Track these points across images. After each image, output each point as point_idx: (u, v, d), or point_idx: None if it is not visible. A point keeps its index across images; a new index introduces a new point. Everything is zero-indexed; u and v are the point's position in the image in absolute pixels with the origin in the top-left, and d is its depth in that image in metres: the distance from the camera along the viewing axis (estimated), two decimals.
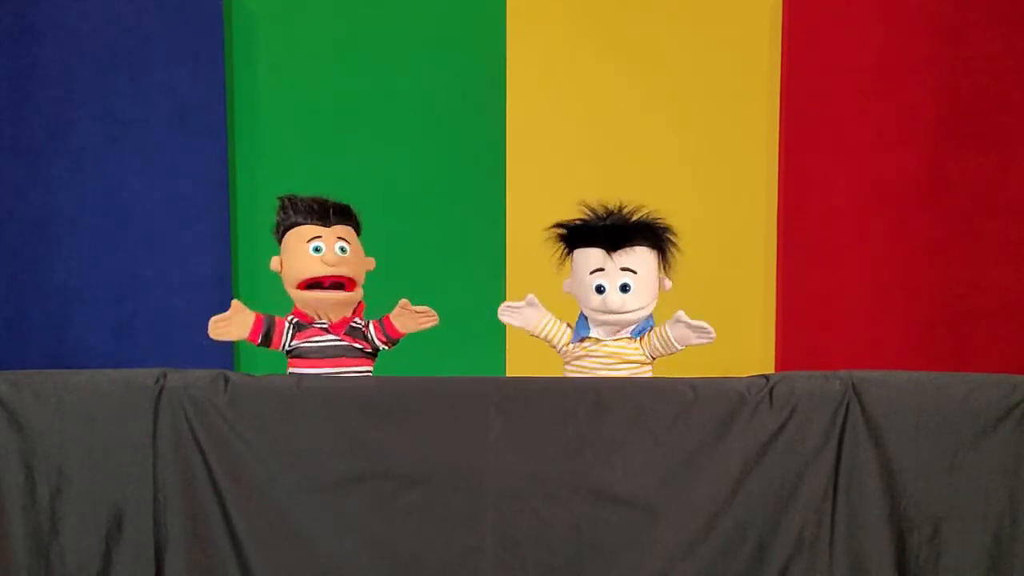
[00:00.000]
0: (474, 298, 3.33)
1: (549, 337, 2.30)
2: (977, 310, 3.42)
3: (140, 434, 1.92)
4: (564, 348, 2.28)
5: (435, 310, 2.32)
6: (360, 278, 2.28)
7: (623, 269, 2.17)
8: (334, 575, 1.94)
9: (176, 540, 1.92)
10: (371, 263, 2.33)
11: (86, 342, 3.45)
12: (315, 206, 2.25)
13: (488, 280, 3.39)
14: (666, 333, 2.21)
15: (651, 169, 3.49)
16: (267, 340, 2.24)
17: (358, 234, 2.32)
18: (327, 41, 3.52)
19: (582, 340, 2.24)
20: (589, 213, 2.22)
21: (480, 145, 3.52)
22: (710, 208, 3.50)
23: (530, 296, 2.31)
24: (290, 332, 2.24)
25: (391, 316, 2.30)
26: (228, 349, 3.43)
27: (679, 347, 2.22)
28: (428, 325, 2.30)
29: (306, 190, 3.48)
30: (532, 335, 2.32)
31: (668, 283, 2.25)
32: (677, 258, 2.24)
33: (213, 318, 2.23)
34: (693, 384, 1.97)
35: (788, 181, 3.44)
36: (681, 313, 2.20)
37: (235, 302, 2.25)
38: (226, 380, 1.95)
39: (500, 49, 3.46)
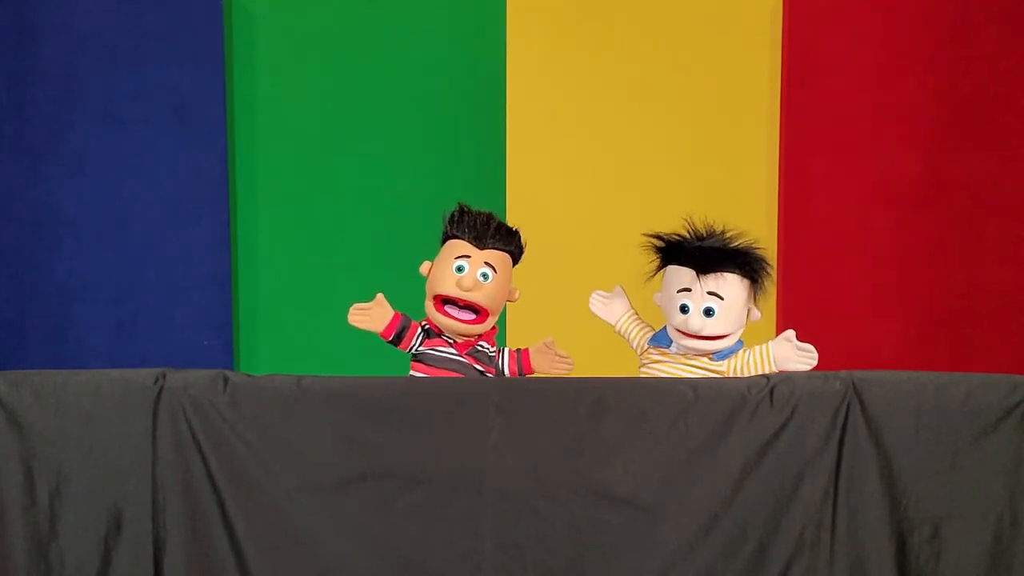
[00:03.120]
0: None
1: (627, 333, 2.30)
2: (977, 310, 3.42)
3: (139, 434, 1.92)
4: (639, 347, 2.27)
5: (617, 287, 2.30)
6: (496, 308, 2.22)
7: (710, 293, 2.13)
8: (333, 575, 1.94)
9: (175, 540, 1.92)
10: (515, 294, 2.27)
11: (86, 342, 3.45)
12: (478, 223, 2.21)
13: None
14: (767, 352, 2.17)
15: (651, 169, 3.49)
16: (399, 339, 2.22)
17: (516, 260, 2.27)
18: (327, 41, 3.52)
19: (661, 349, 2.21)
20: (689, 230, 2.20)
21: (480, 145, 3.52)
22: (710, 208, 3.48)
23: (618, 288, 2.32)
24: (420, 336, 2.22)
25: (532, 351, 2.27)
26: (228, 349, 3.43)
27: (775, 368, 2.16)
28: (562, 372, 2.27)
29: (306, 190, 3.51)
30: (612, 327, 2.31)
31: (757, 314, 2.21)
32: (766, 289, 2.19)
33: (355, 305, 2.22)
34: (693, 384, 1.97)
35: (788, 181, 3.44)
36: (791, 333, 2.16)
37: (379, 295, 2.23)
38: (226, 380, 1.95)
39: (500, 49, 3.46)
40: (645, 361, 2.25)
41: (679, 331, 2.16)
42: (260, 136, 3.53)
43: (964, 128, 3.39)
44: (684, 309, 2.14)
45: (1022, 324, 3.41)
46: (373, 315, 2.22)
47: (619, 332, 2.32)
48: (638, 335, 2.29)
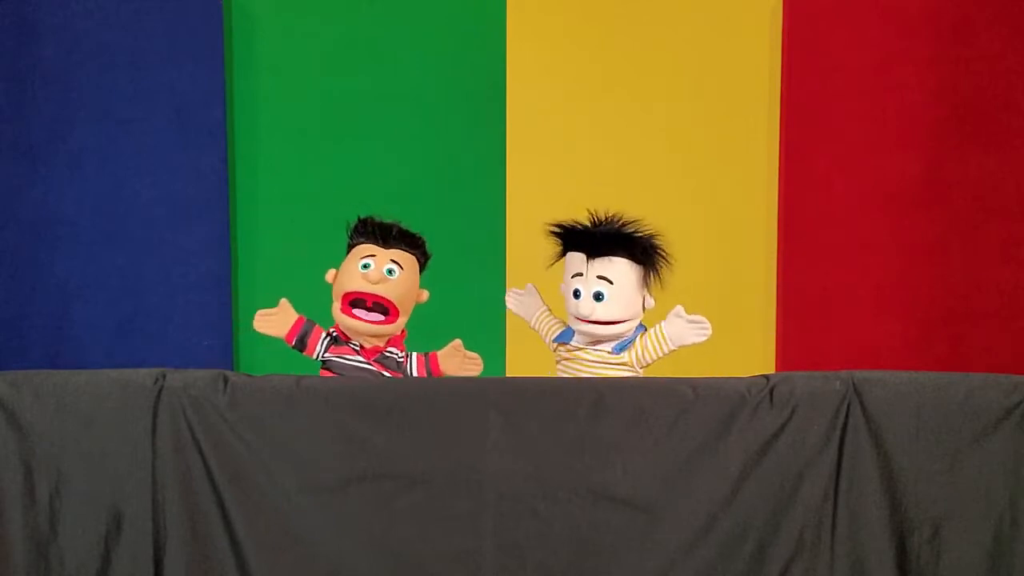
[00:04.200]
0: (474, 298, 3.34)
1: (540, 330, 2.34)
2: (977, 310, 3.42)
3: (139, 434, 1.92)
4: (550, 345, 2.30)
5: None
6: (405, 308, 2.24)
7: (599, 277, 2.17)
8: None
9: (175, 540, 1.92)
10: (423, 295, 2.29)
11: (86, 342, 3.44)
12: (382, 228, 2.25)
13: (488, 280, 3.38)
14: (660, 332, 2.21)
15: (651, 169, 3.49)
16: (302, 344, 2.25)
17: (422, 266, 2.30)
18: (327, 41, 3.51)
19: (563, 344, 2.23)
20: (589, 218, 2.23)
21: (480, 145, 3.51)
22: (710, 208, 3.50)
23: (530, 286, 2.36)
24: (325, 342, 2.24)
25: (440, 355, 2.29)
26: (228, 349, 3.43)
27: (673, 347, 2.21)
28: (472, 372, 2.29)
29: (305, 190, 3.51)
30: (529, 325, 2.36)
31: (651, 301, 2.23)
32: (666, 277, 2.22)
33: (260, 311, 2.26)
34: (693, 384, 1.97)
35: (788, 181, 3.44)
36: (680, 308, 2.20)
37: (283, 300, 2.27)
38: (225, 380, 1.95)
39: (500, 49, 3.46)
40: (557, 359, 2.28)
41: (575, 318, 2.20)
42: (260, 136, 3.52)
43: (964, 128, 3.39)
44: (576, 294, 2.18)
45: (1022, 324, 3.41)
46: (275, 320, 2.24)
47: (534, 328, 2.37)
48: (549, 332, 2.31)
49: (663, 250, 2.23)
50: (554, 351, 2.30)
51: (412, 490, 1.93)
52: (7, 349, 3.40)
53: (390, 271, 2.21)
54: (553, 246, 2.27)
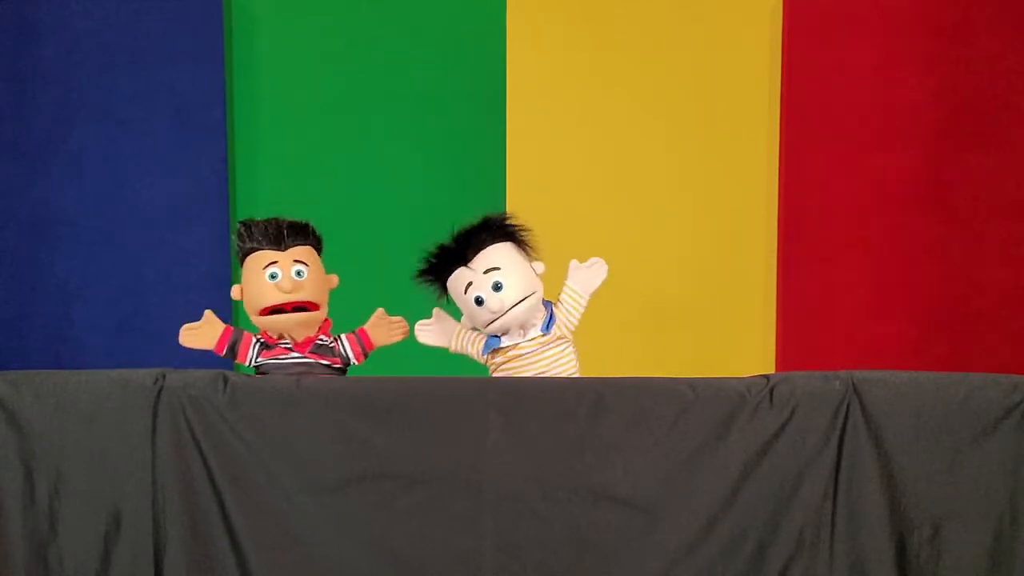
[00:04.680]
0: None
1: (465, 348, 2.28)
2: (977, 310, 3.42)
3: (139, 434, 1.92)
4: (482, 359, 2.27)
5: (435, 309, 2.31)
6: (322, 297, 2.24)
7: (487, 271, 2.17)
8: None
9: (175, 541, 1.91)
10: (333, 280, 2.29)
11: (86, 342, 3.45)
12: (270, 229, 2.22)
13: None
14: (570, 288, 2.23)
15: (651, 169, 3.49)
16: (232, 353, 2.25)
17: (319, 250, 2.28)
18: (327, 41, 3.52)
19: (496, 352, 2.22)
20: (438, 245, 2.23)
21: (480, 145, 3.52)
22: (710, 208, 3.50)
23: (436, 310, 2.30)
24: (256, 348, 2.24)
25: (367, 327, 2.29)
26: None
27: (587, 295, 2.23)
28: (399, 337, 2.29)
29: (305, 190, 3.51)
30: (453, 350, 2.30)
31: (540, 265, 2.24)
32: (532, 241, 2.23)
33: (184, 325, 2.25)
34: (693, 384, 1.97)
35: (788, 181, 3.44)
36: (574, 262, 2.23)
37: (207, 312, 2.26)
38: (225, 380, 1.95)
39: (500, 49, 3.46)
40: (492, 369, 2.26)
41: (491, 324, 2.18)
42: (260, 136, 3.53)
43: (964, 128, 3.39)
44: (479, 301, 2.17)
45: (1022, 324, 3.41)
46: (201, 333, 2.25)
47: (457, 351, 2.30)
48: (474, 345, 2.28)
49: (512, 218, 2.24)
50: (487, 363, 2.26)
51: (412, 490, 1.93)
52: (7, 349, 3.40)
53: (298, 272, 2.19)
54: (429, 292, 2.25)
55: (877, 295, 3.44)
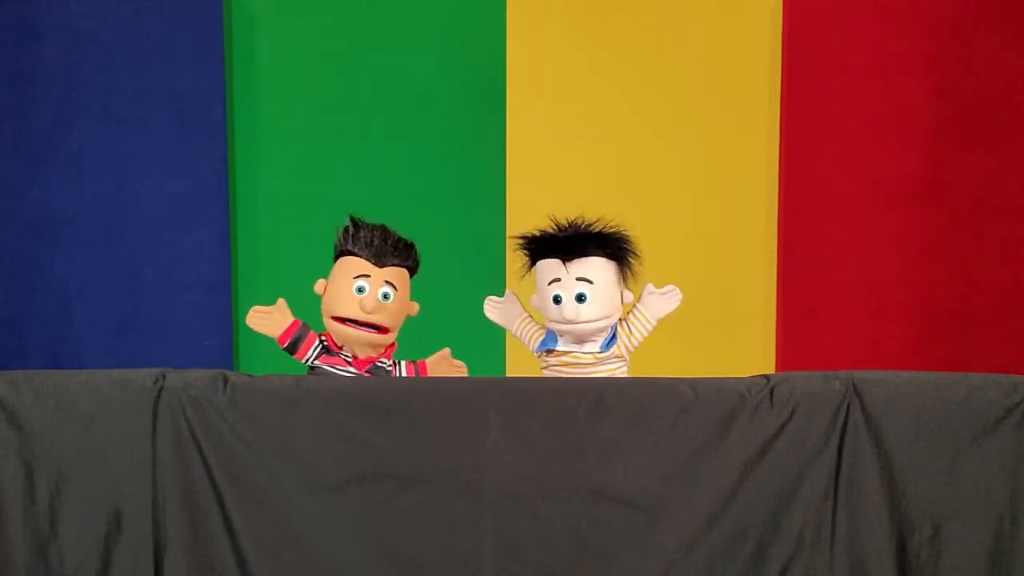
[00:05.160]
0: (474, 298, 3.33)
1: (523, 337, 2.30)
2: (977, 310, 3.42)
3: (139, 434, 1.92)
4: (535, 352, 2.28)
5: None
6: (397, 323, 2.22)
7: (579, 279, 2.16)
8: None
9: (175, 541, 1.91)
10: (414, 308, 2.26)
11: (86, 342, 3.45)
12: (375, 239, 2.19)
13: (488, 280, 3.38)
14: (641, 313, 2.23)
15: (651, 169, 3.49)
16: (294, 348, 2.22)
17: (413, 273, 2.26)
18: (327, 41, 3.52)
19: (549, 352, 2.23)
20: (552, 225, 2.22)
21: (480, 145, 3.52)
22: (710, 208, 3.50)
23: (509, 292, 2.32)
24: (317, 349, 2.22)
25: (428, 362, 2.29)
26: (228, 349, 3.43)
27: (655, 322, 2.24)
28: None
29: (305, 190, 3.51)
30: (512, 333, 2.32)
31: (629, 295, 2.23)
32: (636, 270, 2.23)
33: (254, 308, 2.23)
34: (693, 384, 1.97)
35: (788, 181, 3.44)
36: (650, 286, 2.23)
37: (281, 300, 2.24)
38: (225, 380, 1.95)
39: (500, 49, 3.46)
40: (542, 366, 2.27)
41: (557, 323, 2.18)
42: (260, 136, 3.53)
43: (964, 128, 3.39)
44: (557, 300, 2.16)
45: (1022, 324, 3.41)
46: (272, 319, 2.22)
47: (516, 336, 2.32)
48: (533, 338, 2.29)
49: (633, 244, 2.23)
50: (540, 358, 2.27)
51: (412, 490, 1.93)
52: (7, 349, 3.40)
53: (385, 295, 2.17)
54: (519, 259, 2.25)
55: (877, 295, 3.44)
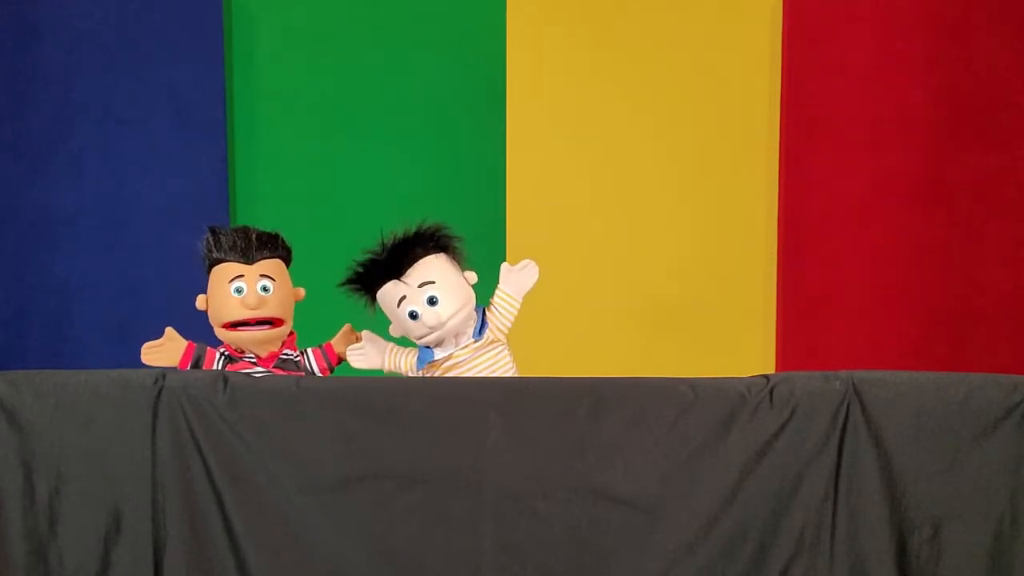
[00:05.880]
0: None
1: (398, 366, 2.27)
2: (977, 310, 3.42)
3: (139, 435, 1.92)
4: (417, 374, 2.25)
5: (364, 332, 2.30)
6: (287, 312, 2.23)
7: (420, 285, 2.16)
8: None
9: (175, 541, 1.91)
10: (300, 293, 2.27)
11: (86, 342, 3.45)
12: (238, 241, 2.20)
13: (488, 280, 3.38)
14: (504, 292, 2.23)
15: (651, 169, 3.49)
16: (196, 369, 2.23)
17: (288, 262, 2.26)
18: (327, 41, 3.52)
19: (431, 364, 2.22)
20: (368, 255, 2.21)
21: (480, 146, 3.52)
22: (710, 208, 3.50)
23: (365, 332, 2.30)
24: (220, 363, 2.23)
25: (334, 342, 2.30)
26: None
27: (520, 298, 2.23)
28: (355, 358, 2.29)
29: (305, 190, 3.51)
30: (386, 370, 2.29)
31: (472, 275, 2.24)
32: (464, 251, 2.24)
33: (145, 344, 2.25)
34: (693, 384, 1.97)
35: (788, 181, 3.44)
36: (505, 265, 2.23)
37: (168, 329, 2.26)
38: (225, 381, 1.95)
39: (500, 49, 3.46)
40: None
41: (427, 336, 2.17)
42: (260, 136, 3.53)
43: (964, 128, 3.39)
44: (413, 315, 2.16)
45: (1022, 324, 3.41)
46: (165, 350, 2.24)
47: (393, 369, 2.28)
48: (409, 361, 2.27)
49: (446, 228, 2.24)
50: (424, 374, 2.25)
51: (412, 490, 1.93)
52: (7, 349, 3.40)
53: (264, 288, 2.18)
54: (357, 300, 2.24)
55: (877, 295, 3.44)
